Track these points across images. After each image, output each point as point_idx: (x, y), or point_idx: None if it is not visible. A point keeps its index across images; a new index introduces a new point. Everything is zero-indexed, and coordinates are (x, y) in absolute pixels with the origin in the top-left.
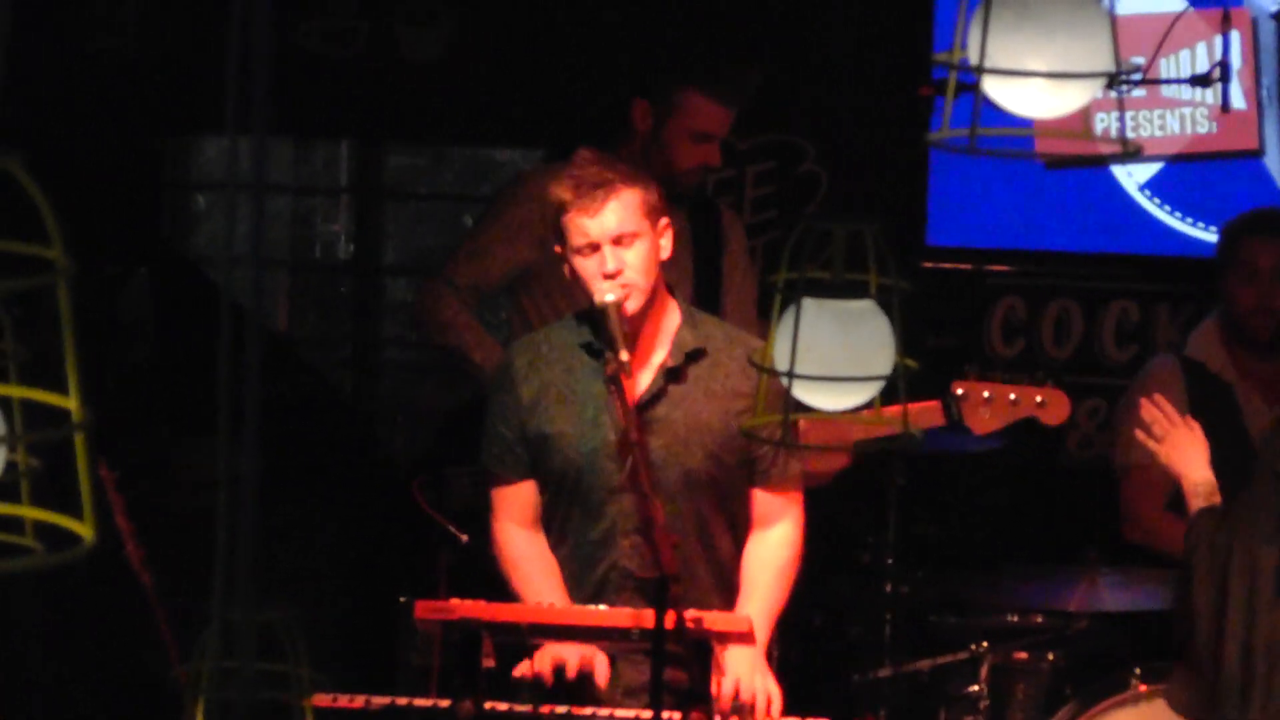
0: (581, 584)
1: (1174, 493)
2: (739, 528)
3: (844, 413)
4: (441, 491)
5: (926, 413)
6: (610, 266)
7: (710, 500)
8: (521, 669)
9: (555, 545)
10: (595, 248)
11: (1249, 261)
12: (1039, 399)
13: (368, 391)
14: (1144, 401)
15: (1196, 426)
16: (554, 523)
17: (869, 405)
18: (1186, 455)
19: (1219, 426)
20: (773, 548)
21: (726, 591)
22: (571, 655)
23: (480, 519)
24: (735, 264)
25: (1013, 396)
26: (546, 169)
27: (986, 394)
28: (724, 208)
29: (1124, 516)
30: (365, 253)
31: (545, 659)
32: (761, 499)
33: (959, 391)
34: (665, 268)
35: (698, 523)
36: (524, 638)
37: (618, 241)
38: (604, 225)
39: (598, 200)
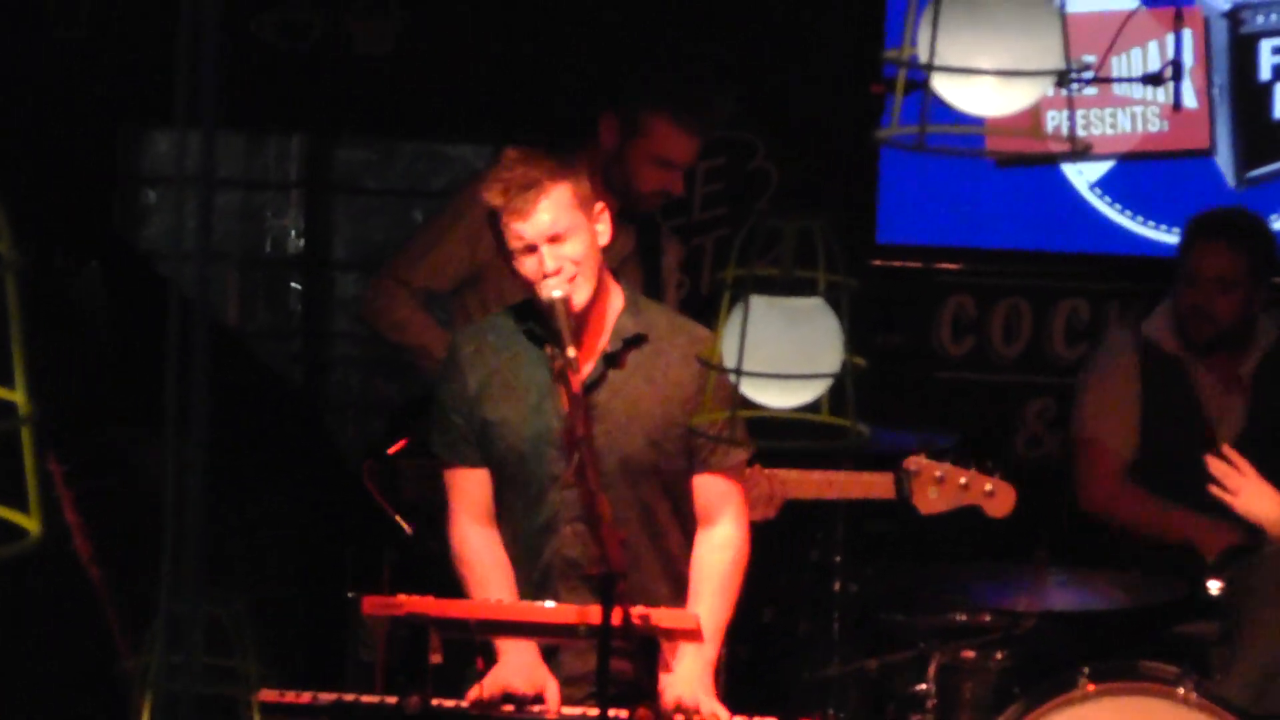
0: (526, 572)
1: (1129, 465)
2: (686, 516)
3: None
4: (392, 479)
5: (877, 484)
6: (550, 266)
7: (653, 488)
8: (472, 695)
9: (502, 534)
10: (533, 249)
11: (1194, 265)
12: (988, 488)
13: (318, 385)
14: (1211, 459)
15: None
16: (499, 511)
17: (815, 404)
18: (1262, 503)
19: (1172, 403)
20: (718, 550)
21: (674, 581)
22: (521, 684)
23: (427, 511)
24: (669, 281)
25: (963, 481)
26: None
27: (938, 474)
28: (663, 226)
29: (1081, 487)
30: (315, 247)
31: (494, 687)
32: (703, 487)
33: (911, 469)
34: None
35: (641, 511)
36: (472, 633)
37: (554, 240)
38: (538, 226)
39: (529, 202)
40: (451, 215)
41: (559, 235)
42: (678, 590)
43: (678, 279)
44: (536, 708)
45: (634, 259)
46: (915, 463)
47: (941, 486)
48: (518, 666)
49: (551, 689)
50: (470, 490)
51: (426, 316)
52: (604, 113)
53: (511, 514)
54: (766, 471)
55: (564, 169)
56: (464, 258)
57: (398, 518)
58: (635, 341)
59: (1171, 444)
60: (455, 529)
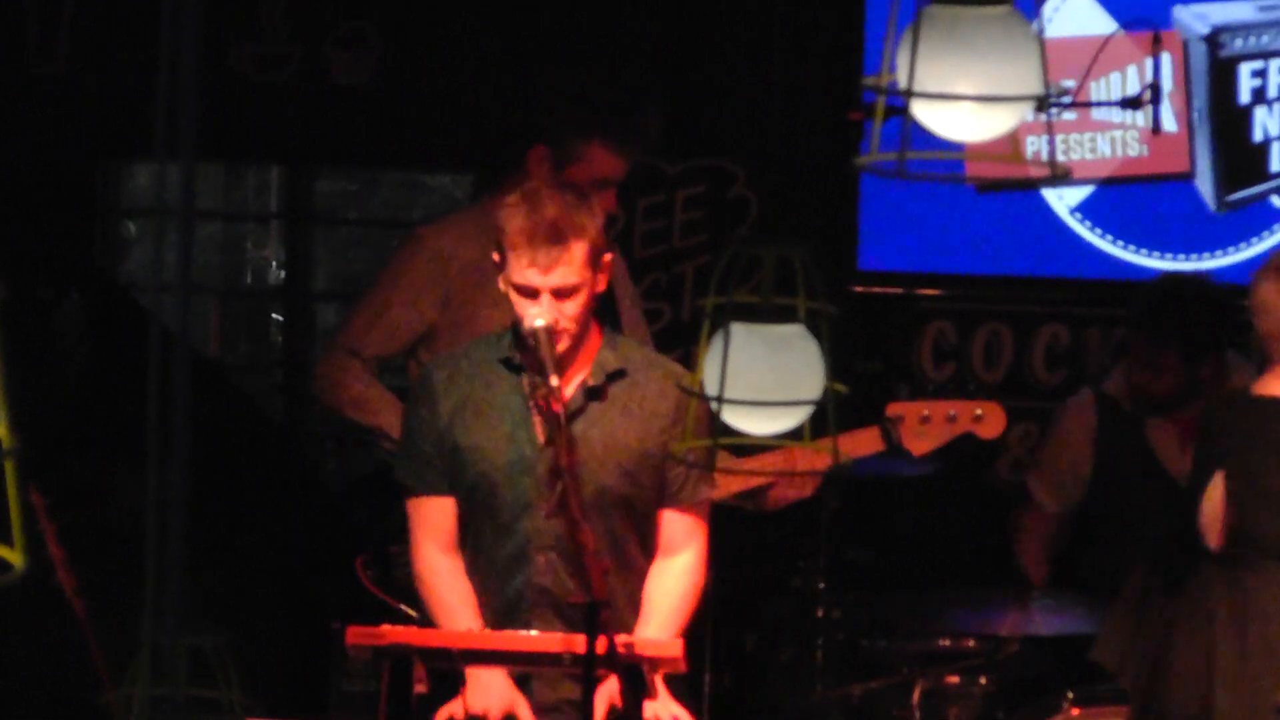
0: (494, 599)
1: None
2: (652, 549)
3: (775, 438)
4: (387, 569)
5: (864, 440)
6: (549, 317)
7: (624, 519)
8: (443, 717)
9: (468, 561)
10: (536, 293)
11: (1132, 345)
12: (977, 412)
13: (299, 417)
14: None
15: None
16: (466, 538)
17: (798, 431)
18: None
19: (1129, 459)
20: (675, 576)
21: (641, 610)
22: (491, 706)
23: None
24: (625, 293)
25: (950, 413)
26: (442, 224)
27: (924, 413)
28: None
29: (1015, 540)
30: (296, 278)
31: (464, 710)
32: (669, 521)
33: (895, 414)
34: None
35: (612, 541)
36: (456, 663)
37: (557, 294)
38: (549, 281)
39: (551, 258)
40: (389, 277)
41: (563, 289)
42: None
43: (632, 291)
44: None
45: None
46: (897, 408)
47: (929, 425)
48: (486, 689)
49: (522, 709)
50: (435, 518)
51: (383, 391)
52: (532, 146)
53: (481, 540)
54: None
55: (588, 223)
56: (412, 321)
57: (401, 605)
58: (616, 375)
59: (1129, 501)
60: (420, 556)
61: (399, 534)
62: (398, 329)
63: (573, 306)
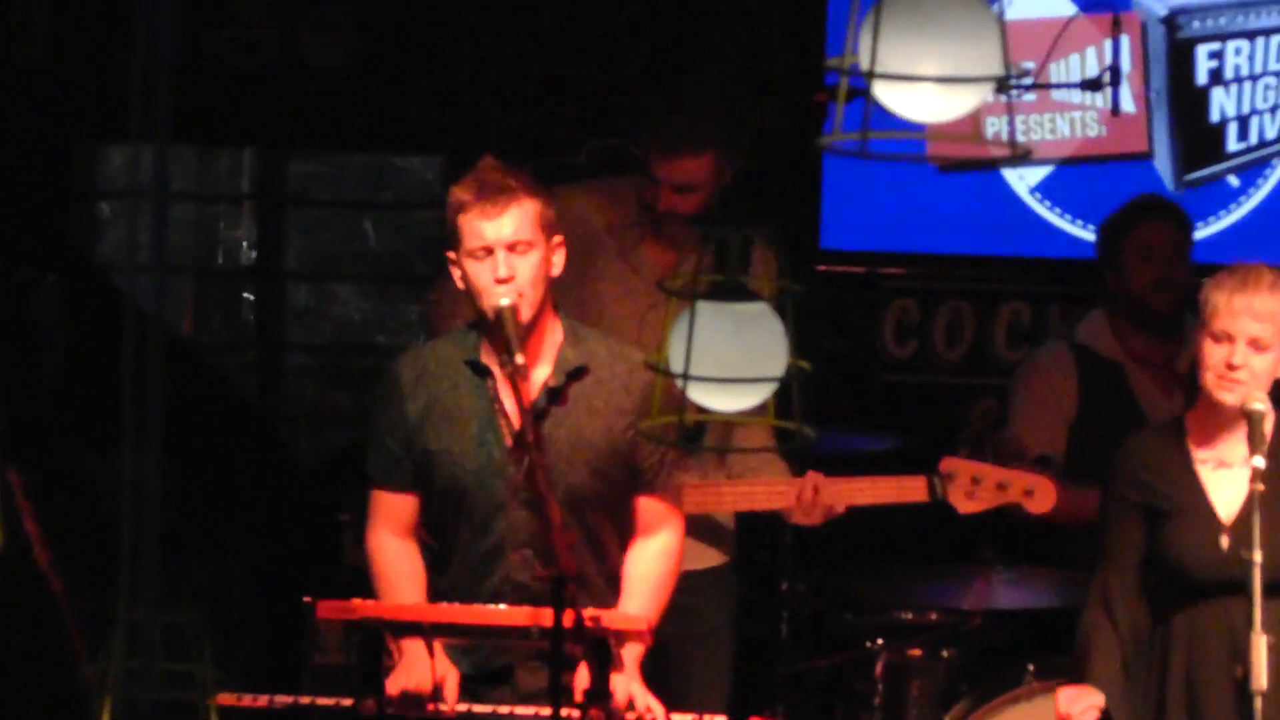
0: (473, 595)
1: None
2: (626, 532)
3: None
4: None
5: (911, 488)
6: (503, 271)
7: (598, 514)
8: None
9: (445, 561)
10: (489, 251)
11: (1145, 241)
12: (1029, 487)
13: (271, 395)
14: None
15: None
16: (442, 538)
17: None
18: None
19: (1111, 405)
20: (652, 559)
21: (619, 594)
22: (419, 680)
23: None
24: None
25: (1002, 481)
26: (573, 188)
27: (976, 475)
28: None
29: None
30: (268, 258)
31: (394, 686)
32: (645, 507)
33: (948, 470)
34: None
35: (586, 535)
36: (425, 636)
37: (512, 248)
38: (500, 230)
39: (499, 205)
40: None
41: (517, 244)
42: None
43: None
44: (479, 706)
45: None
46: (952, 464)
47: (979, 487)
48: (415, 663)
49: (451, 680)
50: (394, 509)
51: None
52: (629, 140)
53: (457, 540)
54: (818, 479)
55: (537, 188)
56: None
57: None
58: (577, 374)
59: (1112, 447)
60: (373, 537)
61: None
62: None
63: (527, 267)
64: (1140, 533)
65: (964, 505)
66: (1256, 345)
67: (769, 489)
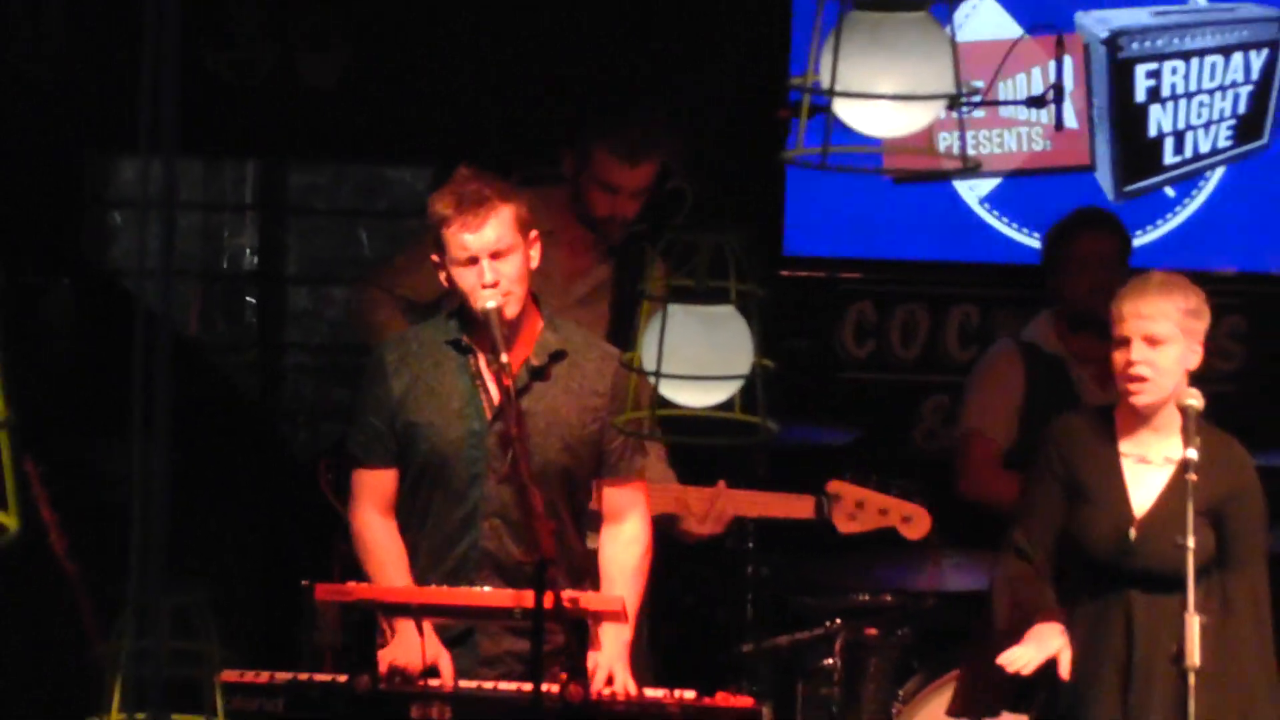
0: (442, 561)
1: (1007, 455)
2: (582, 516)
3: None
4: (342, 479)
5: (798, 505)
6: (488, 277)
7: (560, 489)
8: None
9: (417, 526)
10: (474, 260)
11: (1086, 250)
12: (907, 514)
13: (272, 392)
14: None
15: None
16: (417, 505)
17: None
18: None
19: (1054, 397)
20: (626, 546)
21: (574, 574)
22: (413, 659)
23: None
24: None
25: (884, 508)
26: None
27: (859, 500)
28: (649, 252)
29: (962, 475)
30: (269, 264)
31: (386, 664)
32: (610, 492)
33: (834, 492)
34: (587, 308)
35: (549, 508)
36: (414, 616)
37: (495, 255)
38: (483, 240)
39: (479, 217)
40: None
41: (500, 251)
42: (577, 580)
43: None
44: (465, 682)
45: (607, 288)
46: (837, 487)
47: (861, 511)
48: (409, 643)
49: (445, 661)
50: (377, 486)
51: (405, 322)
52: (564, 150)
53: (431, 508)
54: (726, 491)
55: (511, 192)
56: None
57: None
58: (558, 356)
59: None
60: (358, 515)
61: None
62: (430, 280)
63: (510, 268)
64: (1058, 503)
65: (845, 526)
66: (1151, 341)
67: (678, 496)
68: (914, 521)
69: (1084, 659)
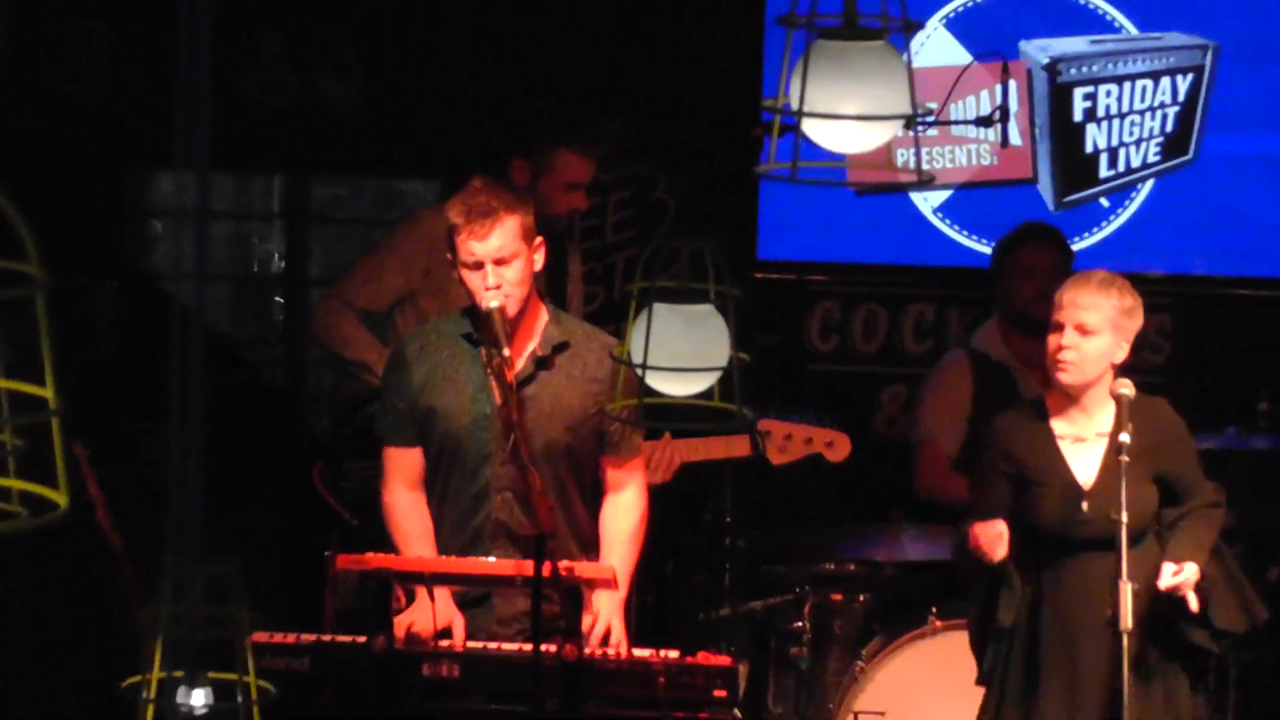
0: (461, 532)
1: (958, 458)
2: (590, 491)
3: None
4: (338, 479)
5: (738, 444)
6: (491, 281)
7: (567, 467)
8: (401, 624)
9: (438, 501)
10: (480, 265)
11: (1029, 262)
12: (828, 441)
13: (296, 383)
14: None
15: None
16: (436, 482)
17: (708, 392)
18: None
19: (1001, 402)
20: (624, 513)
21: (582, 543)
22: (426, 622)
23: (369, 508)
24: (574, 289)
25: (808, 437)
26: (438, 209)
27: (788, 433)
28: (569, 245)
29: (918, 477)
30: (295, 268)
31: (402, 626)
32: (611, 468)
33: (764, 430)
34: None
35: (558, 484)
36: (426, 584)
37: (499, 261)
38: (488, 248)
39: (485, 227)
40: (388, 245)
41: (504, 258)
42: (584, 549)
43: (582, 288)
44: (472, 643)
45: (543, 272)
46: (767, 424)
47: (790, 443)
48: (425, 607)
49: (458, 624)
50: (404, 464)
51: (368, 334)
52: (514, 158)
53: (448, 485)
54: (671, 440)
55: (518, 203)
56: (399, 284)
57: (344, 512)
58: (562, 347)
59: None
60: (389, 490)
61: (354, 451)
62: (386, 289)
63: (513, 273)
64: (1008, 498)
65: (776, 458)
66: (1083, 330)
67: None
68: (835, 445)
69: (1063, 622)
